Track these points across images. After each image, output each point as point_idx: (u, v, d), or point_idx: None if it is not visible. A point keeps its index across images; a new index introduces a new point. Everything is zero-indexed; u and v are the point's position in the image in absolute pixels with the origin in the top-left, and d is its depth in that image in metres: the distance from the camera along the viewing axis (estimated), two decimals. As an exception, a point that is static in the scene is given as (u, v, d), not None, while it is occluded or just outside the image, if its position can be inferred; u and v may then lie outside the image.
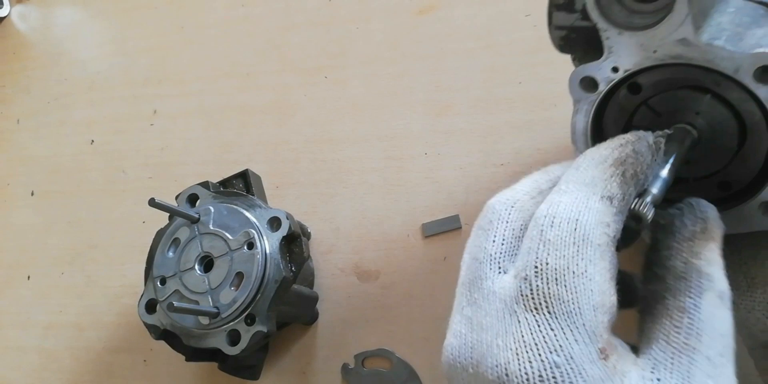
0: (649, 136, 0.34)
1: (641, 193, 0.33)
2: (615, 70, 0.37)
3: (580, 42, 0.39)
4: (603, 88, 0.38)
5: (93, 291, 0.72)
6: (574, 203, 0.29)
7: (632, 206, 0.32)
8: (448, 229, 0.61)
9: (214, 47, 0.81)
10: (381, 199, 0.65)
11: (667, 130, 0.35)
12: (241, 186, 0.63)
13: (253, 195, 0.61)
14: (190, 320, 0.54)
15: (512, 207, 0.32)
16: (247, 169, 0.64)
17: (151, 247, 0.60)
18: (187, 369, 0.64)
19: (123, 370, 0.67)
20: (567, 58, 0.44)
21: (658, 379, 0.28)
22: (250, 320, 0.53)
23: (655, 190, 0.33)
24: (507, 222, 0.32)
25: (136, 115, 0.80)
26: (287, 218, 0.56)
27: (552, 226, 0.29)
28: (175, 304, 0.50)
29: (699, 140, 0.38)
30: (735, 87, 0.35)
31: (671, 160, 0.35)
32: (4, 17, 0.95)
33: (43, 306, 0.74)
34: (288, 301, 0.55)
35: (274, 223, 0.56)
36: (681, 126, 0.38)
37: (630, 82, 0.38)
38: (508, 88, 0.64)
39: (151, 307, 0.57)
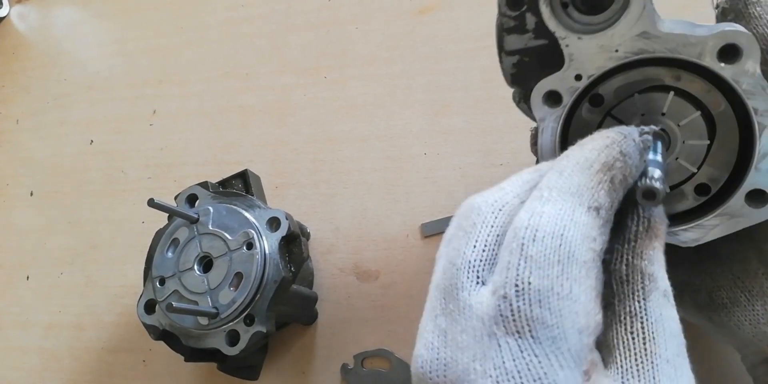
0: (634, 133, 0.31)
1: (644, 173, 0.31)
2: (578, 77, 0.36)
3: (533, 66, 0.39)
4: (568, 100, 0.37)
5: (93, 291, 0.72)
6: (559, 215, 0.27)
7: (641, 182, 0.30)
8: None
9: (214, 48, 0.81)
10: (381, 199, 0.65)
11: (653, 126, 0.34)
12: (240, 186, 0.63)
13: (252, 195, 0.61)
14: (189, 320, 0.54)
15: (500, 210, 0.30)
16: (246, 170, 0.64)
17: (150, 247, 0.60)
18: (187, 369, 0.64)
19: (122, 370, 0.67)
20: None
21: None
22: (250, 320, 0.53)
23: (658, 168, 0.31)
24: (491, 227, 0.30)
25: (135, 115, 0.80)
26: (286, 218, 0.56)
27: (534, 241, 0.27)
28: (174, 304, 0.50)
29: (669, 143, 0.37)
30: (696, 78, 0.35)
31: (659, 149, 0.34)
32: (4, 17, 0.95)
33: (43, 306, 0.74)
34: (287, 301, 0.55)
35: (274, 223, 0.56)
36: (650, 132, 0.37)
37: (591, 94, 0.38)
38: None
39: (150, 307, 0.57)
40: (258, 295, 0.53)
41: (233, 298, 0.53)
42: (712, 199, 0.39)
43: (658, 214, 0.31)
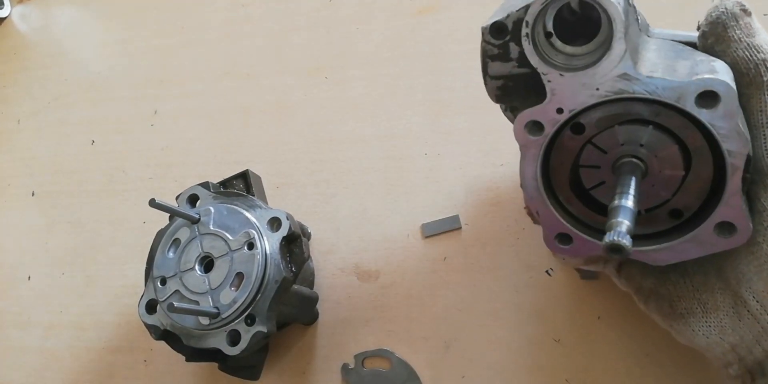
0: None
1: (614, 224, 0.33)
2: (560, 111, 0.37)
3: (518, 90, 0.39)
4: (549, 130, 0.38)
5: (93, 291, 0.72)
6: None
7: (610, 238, 0.32)
8: (447, 229, 0.61)
9: (215, 48, 0.81)
10: (381, 199, 0.65)
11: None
12: (241, 186, 0.63)
13: (253, 195, 0.61)
14: (190, 320, 0.54)
15: None
16: (247, 170, 0.64)
17: (151, 247, 0.60)
18: (188, 369, 0.64)
19: (123, 370, 0.67)
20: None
21: None
22: (251, 320, 0.53)
23: (627, 219, 0.34)
24: None
25: (136, 115, 0.80)
26: (287, 218, 0.56)
27: None
28: (176, 304, 0.50)
29: (647, 172, 0.38)
30: (675, 115, 0.36)
31: (632, 191, 0.36)
32: (5, 18, 0.96)
33: (44, 306, 0.74)
34: (288, 301, 0.55)
35: (275, 223, 0.56)
36: (628, 160, 0.38)
37: (573, 123, 0.38)
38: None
39: (151, 307, 0.57)
40: (259, 295, 0.53)
41: (234, 298, 0.53)
42: (684, 223, 0.40)
43: None
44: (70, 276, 0.74)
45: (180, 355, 0.56)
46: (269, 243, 0.55)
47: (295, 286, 0.56)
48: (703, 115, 0.34)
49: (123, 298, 0.70)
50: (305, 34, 0.77)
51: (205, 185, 0.61)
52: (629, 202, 0.35)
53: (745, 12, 0.37)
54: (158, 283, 0.57)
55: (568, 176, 0.41)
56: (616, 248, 0.32)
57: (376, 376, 0.58)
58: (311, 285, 0.62)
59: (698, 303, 0.41)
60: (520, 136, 0.39)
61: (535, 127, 0.38)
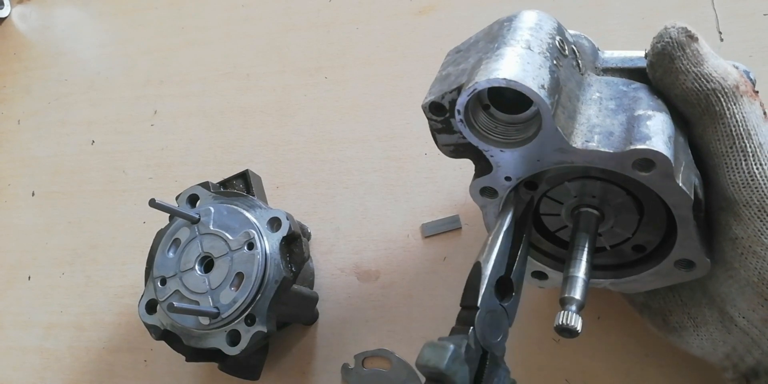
0: None
1: (565, 301, 0.35)
2: (508, 179, 0.38)
3: (470, 151, 0.40)
4: (503, 194, 0.39)
5: (93, 291, 0.72)
6: None
7: (560, 321, 0.34)
8: (447, 229, 0.61)
9: (215, 48, 0.81)
10: (381, 199, 0.65)
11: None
12: (241, 186, 0.63)
13: (253, 195, 0.61)
14: (190, 320, 0.54)
15: None
16: (247, 170, 0.64)
17: (151, 247, 0.60)
18: (188, 369, 0.64)
19: (124, 370, 0.67)
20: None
21: None
22: (251, 320, 0.53)
23: (577, 295, 0.35)
24: None
25: (136, 115, 0.80)
26: (287, 218, 0.56)
27: None
28: (176, 304, 0.50)
29: (603, 217, 0.39)
30: (619, 173, 0.36)
31: (584, 257, 0.37)
32: (5, 18, 0.96)
33: (44, 306, 0.74)
34: (288, 301, 0.55)
35: (274, 223, 0.56)
36: (584, 210, 0.39)
37: (526, 181, 0.39)
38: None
39: (151, 307, 0.57)
40: (259, 295, 0.53)
41: (234, 298, 0.53)
42: (650, 254, 0.41)
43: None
44: (69, 276, 0.74)
45: (180, 355, 0.56)
46: (269, 243, 0.55)
47: (295, 286, 0.56)
48: (642, 177, 0.34)
49: (123, 298, 0.70)
50: (305, 33, 0.77)
51: (205, 185, 0.61)
52: (580, 270, 0.36)
53: (692, 38, 0.36)
54: (158, 283, 0.57)
55: (533, 222, 0.42)
56: (566, 331, 0.34)
57: (376, 376, 0.58)
58: (311, 285, 0.62)
59: (688, 317, 0.41)
60: (477, 200, 0.41)
61: (489, 191, 0.40)
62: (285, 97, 0.74)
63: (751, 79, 0.38)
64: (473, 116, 0.36)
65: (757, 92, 0.36)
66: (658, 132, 0.33)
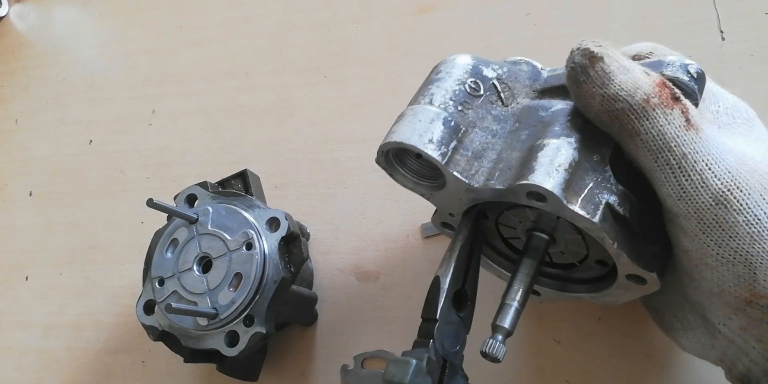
0: None
1: (494, 329, 0.38)
2: (452, 215, 0.43)
3: (428, 188, 0.43)
4: (456, 226, 0.43)
5: (92, 291, 0.72)
6: None
7: (484, 349, 0.36)
8: (447, 229, 0.61)
9: (214, 47, 0.80)
10: (381, 199, 0.64)
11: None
12: (239, 186, 0.63)
13: (251, 195, 0.61)
14: (188, 321, 0.54)
15: None
16: (245, 169, 0.63)
17: (149, 247, 0.60)
18: (186, 370, 0.63)
19: (122, 371, 0.67)
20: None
21: None
22: (249, 321, 0.53)
23: (506, 324, 0.38)
24: None
25: (135, 115, 0.80)
26: (286, 218, 0.56)
27: None
28: (174, 305, 0.50)
29: (554, 240, 0.41)
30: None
31: (523, 286, 0.40)
32: (3, 17, 0.95)
33: (42, 306, 0.73)
34: (287, 301, 0.55)
35: (273, 223, 0.56)
36: (532, 233, 0.42)
37: (476, 213, 0.42)
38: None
39: (149, 308, 0.57)
40: (257, 296, 0.53)
41: (233, 299, 0.53)
42: (613, 269, 0.41)
43: None
44: (68, 276, 0.74)
45: (178, 356, 0.56)
46: (268, 243, 0.55)
47: (294, 287, 0.56)
48: (542, 206, 0.35)
49: (121, 298, 0.70)
50: (305, 33, 0.76)
51: (204, 185, 0.61)
52: (516, 299, 0.39)
53: (594, 58, 0.34)
54: (156, 284, 0.57)
55: (502, 244, 0.47)
56: (488, 358, 0.37)
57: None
58: (310, 285, 0.62)
59: (677, 320, 0.41)
60: (440, 230, 0.46)
61: (446, 225, 0.45)
62: (284, 96, 0.74)
63: (691, 74, 0.36)
64: (401, 166, 0.41)
65: (678, 98, 0.34)
66: (544, 163, 0.34)
